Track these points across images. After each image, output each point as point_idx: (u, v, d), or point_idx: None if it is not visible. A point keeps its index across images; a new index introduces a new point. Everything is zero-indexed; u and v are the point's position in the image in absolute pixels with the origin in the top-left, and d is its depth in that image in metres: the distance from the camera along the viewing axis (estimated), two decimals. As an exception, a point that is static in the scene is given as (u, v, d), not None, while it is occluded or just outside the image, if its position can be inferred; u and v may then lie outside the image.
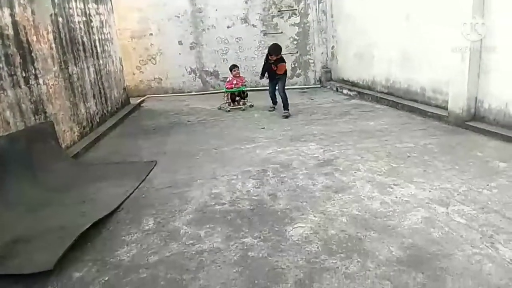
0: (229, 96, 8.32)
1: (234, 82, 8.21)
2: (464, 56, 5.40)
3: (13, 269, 2.80)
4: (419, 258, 2.71)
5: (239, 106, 8.19)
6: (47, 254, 2.91)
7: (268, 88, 7.90)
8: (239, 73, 8.31)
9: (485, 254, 2.70)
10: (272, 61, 7.29)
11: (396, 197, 3.63)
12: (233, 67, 8.30)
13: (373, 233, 3.05)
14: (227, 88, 8.29)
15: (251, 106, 8.26)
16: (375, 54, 8.25)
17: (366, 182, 4.02)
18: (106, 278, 2.71)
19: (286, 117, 7.15)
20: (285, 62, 7.51)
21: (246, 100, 8.35)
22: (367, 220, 3.26)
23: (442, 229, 3.03)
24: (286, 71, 7.66)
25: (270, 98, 7.90)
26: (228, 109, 8.09)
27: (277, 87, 7.53)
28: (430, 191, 3.69)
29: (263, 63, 7.78)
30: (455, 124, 5.72)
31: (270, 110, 7.79)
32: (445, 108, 6.04)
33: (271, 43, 7.57)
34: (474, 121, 5.53)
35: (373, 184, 3.95)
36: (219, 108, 8.31)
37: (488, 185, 3.74)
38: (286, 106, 7.27)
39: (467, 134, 5.39)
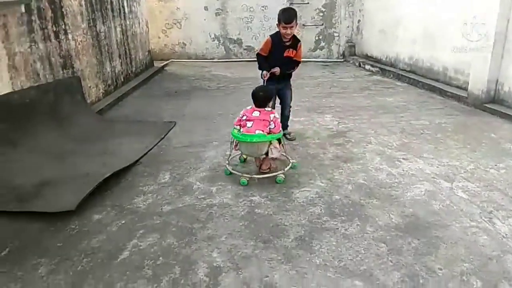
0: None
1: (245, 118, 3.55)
2: (489, 36, 5.30)
3: (39, 207, 3.06)
4: (417, 226, 2.84)
5: (264, 174, 3.61)
6: (70, 197, 3.15)
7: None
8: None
9: (482, 227, 2.81)
10: (287, 42, 4.21)
11: (403, 170, 3.74)
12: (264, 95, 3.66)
13: (376, 201, 3.19)
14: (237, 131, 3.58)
15: (293, 167, 3.74)
16: (400, 31, 8.13)
17: (376, 154, 4.12)
18: (123, 222, 2.95)
19: (293, 139, 4.58)
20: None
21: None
22: (372, 189, 3.39)
23: (444, 202, 3.14)
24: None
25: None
26: (229, 171, 3.63)
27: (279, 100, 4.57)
28: (437, 167, 3.78)
29: (261, 47, 4.34)
30: (474, 106, 5.69)
31: None
32: (465, 89, 5.99)
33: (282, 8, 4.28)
34: (493, 104, 5.49)
35: (383, 157, 4.05)
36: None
37: (496, 165, 3.79)
38: (286, 125, 4.68)
39: (483, 115, 5.37)
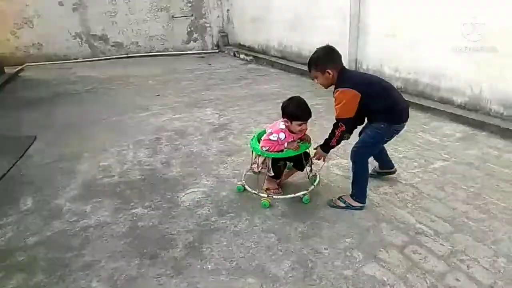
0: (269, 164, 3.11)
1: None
2: (345, 18, 5.74)
3: None
4: (304, 209, 2.91)
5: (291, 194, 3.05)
6: None
7: None
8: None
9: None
10: None
11: (284, 156, 3.82)
12: (300, 114, 3.23)
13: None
14: (270, 151, 2.97)
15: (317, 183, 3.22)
16: (269, 18, 8.37)
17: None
18: (-24, 267, 2.45)
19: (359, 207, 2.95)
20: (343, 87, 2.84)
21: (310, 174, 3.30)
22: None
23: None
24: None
25: None
26: (272, 196, 3.06)
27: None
28: (314, 148, 3.95)
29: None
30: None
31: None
32: (331, 70, 6.43)
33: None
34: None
35: (264, 145, 4.10)
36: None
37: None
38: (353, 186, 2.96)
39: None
